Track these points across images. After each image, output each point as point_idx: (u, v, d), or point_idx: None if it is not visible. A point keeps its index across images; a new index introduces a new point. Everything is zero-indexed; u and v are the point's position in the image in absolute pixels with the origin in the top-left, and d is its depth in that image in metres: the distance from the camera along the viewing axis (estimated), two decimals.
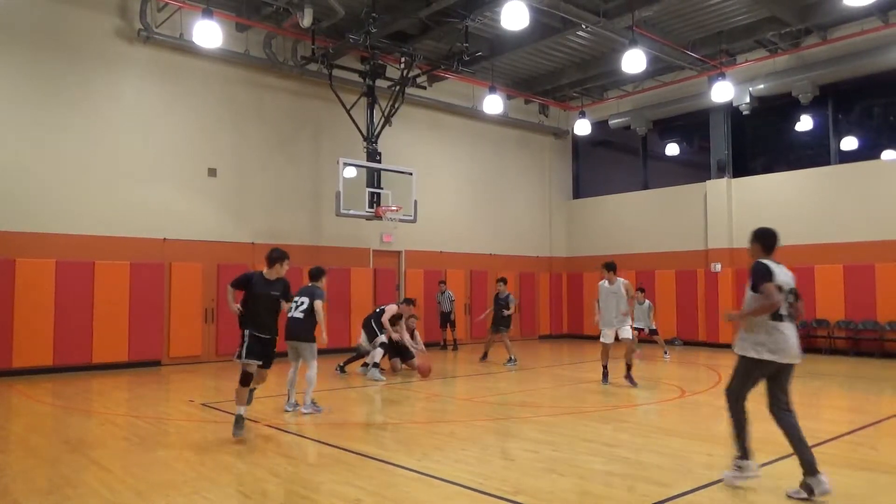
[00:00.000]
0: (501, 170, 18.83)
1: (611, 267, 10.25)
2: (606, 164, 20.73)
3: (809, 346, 14.77)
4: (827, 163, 15.31)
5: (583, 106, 18.59)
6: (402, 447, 6.28)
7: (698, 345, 16.40)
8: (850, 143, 15.42)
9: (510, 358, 12.95)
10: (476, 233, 17.91)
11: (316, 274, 8.22)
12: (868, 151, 15.09)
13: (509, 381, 10.88)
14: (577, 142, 20.22)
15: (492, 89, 15.61)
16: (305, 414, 7.52)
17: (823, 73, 14.51)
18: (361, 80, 14.35)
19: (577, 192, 20.49)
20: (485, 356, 13.49)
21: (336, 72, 14.10)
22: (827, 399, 9.53)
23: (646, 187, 18.81)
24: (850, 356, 13.86)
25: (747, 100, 15.68)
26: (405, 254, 16.31)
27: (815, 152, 15.87)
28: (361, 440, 6.51)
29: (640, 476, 5.19)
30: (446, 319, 16.04)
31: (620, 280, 10.18)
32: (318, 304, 7.67)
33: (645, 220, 18.24)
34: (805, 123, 16.12)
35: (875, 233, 13.98)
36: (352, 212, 13.22)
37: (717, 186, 16.67)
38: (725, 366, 12.38)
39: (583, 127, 17.67)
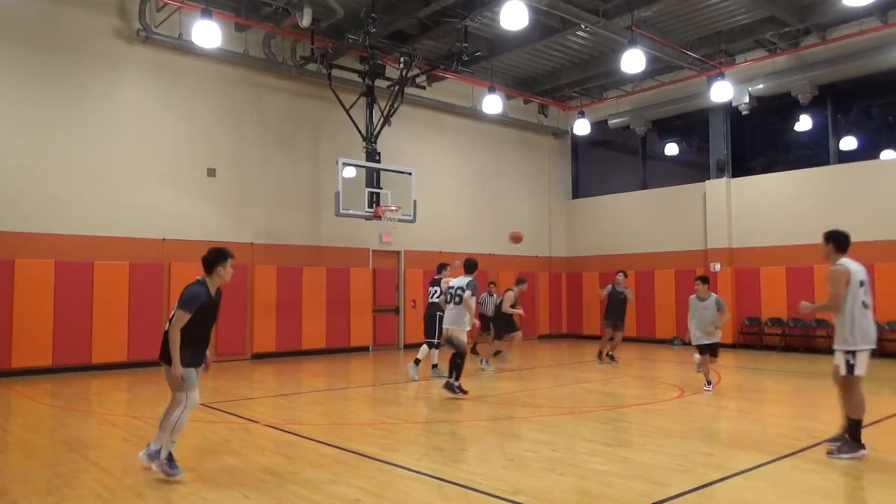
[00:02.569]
0: (501, 170, 18.82)
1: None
2: (606, 164, 20.72)
3: (809, 346, 14.78)
4: (826, 163, 15.32)
5: (582, 106, 18.59)
6: (402, 447, 6.28)
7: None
8: (849, 142, 15.44)
9: (606, 354, 12.94)
10: (475, 233, 17.90)
11: (207, 261, 5.42)
12: (867, 151, 15.11)
13: (509, 380, 10.87)
14: (577, 142, 20.21)
15: (491, 89, 15.61)
16: (154, 469, 5.12)
17: (822, 73, 14.52)
18: (361, 80, 14.34)
19: (577, 192, 20.48)
20: (611, 357, 12.96)
21: (335, 72, 14.09)
22: (826, 399, 9.52)
23: (645, 187, 18.80)
24: None
25: (746, 100, 15.68)
26: (404, 254, 16.31)
27: (814, 152, 15.88)
28: (361, 440, 6.51)
29: (639, 476, 5.19)
30: (489, 323, 13.70)
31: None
32: (178, 315, 5.19)
33: (644, 219, 18.24)
34: (804, 123, 16.13)
35: (874, 232, 13.98)
36: (351, 212, 13.22)
37: (717, 186, 16.68)
38: (724, 366, 12.38)
39: (582, 127, 17.66)
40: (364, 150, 14.11)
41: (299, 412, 8.36)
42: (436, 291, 11.00)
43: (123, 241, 12.31)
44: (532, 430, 6.98)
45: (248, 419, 7.46)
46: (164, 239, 12.74)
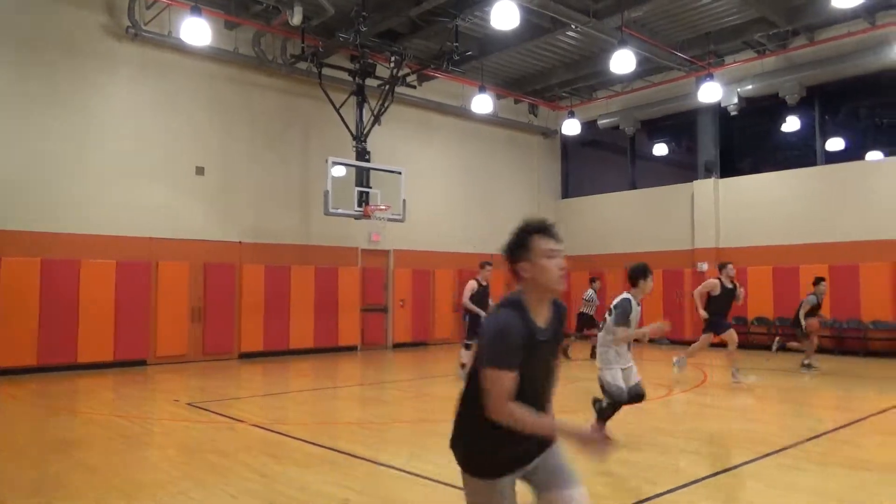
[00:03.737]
0: (491, 169, 18.84)
1: None
2: (595, 163, 20.79)
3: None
4: (813, 163, 15.44)
5: (572, 106, 18.63)
6: (391, 446, 6.27)
7: (685, 343, 16.45)
8: (835, 143, 15.55)
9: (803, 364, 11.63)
10: (465, 232, 17.90)
11: (511, 249, 2.91)
12: (853, 152, 15.25)
13: None
14: (566, 142, 20.26)
15: (481, 89, 15.61)
16: None
17: (810, 74, 14.61)
18: (351, 78, 14.30)
19: (566, 192, 20.54)
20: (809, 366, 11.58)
21: (325, 70, 14.04)
22: (811, 397, 9.61)
23: (634, 187, 18.88)
24: (834, 355, 13.97)
25: (735, 100, 15.76)
26: (394, 253, 16.28)
27: (802, 153, 16.00)
28: (349, 439, 6.50)
29: (626, 474, 5.21)
30: (587, 323, 13.74)
31: None
32: (486, 378, 2.48)
33: (633, 219, 18.31)
34: (792, 124, 16.24)
35: (860, 233, 14.12)
36: (340, 211, 13.18)
37: (705, 186, 16.77)
38: (710, 365, 12.47)
39: (572, 127, 17.70)
40: (354, 149, 14.07)
41: (286, 412, 8.34)
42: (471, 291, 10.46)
43: (110, 240, 12.21)
44: None
45: (236, 419, 7.43)
46: (151, 237, 12.65)
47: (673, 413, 8.15)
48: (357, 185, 13.65)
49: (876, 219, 13.97)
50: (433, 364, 13.30)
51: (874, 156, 15.05)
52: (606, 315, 6.24)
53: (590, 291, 13.95)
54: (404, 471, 5.29)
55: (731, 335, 10.08)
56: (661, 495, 4.62)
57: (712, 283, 10.24)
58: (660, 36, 15.04)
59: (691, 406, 8.55)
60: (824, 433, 6.65)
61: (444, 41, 14.08)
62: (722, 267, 10.45)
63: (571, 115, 17.91)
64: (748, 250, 15.85)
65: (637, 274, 6.15)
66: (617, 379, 6.19)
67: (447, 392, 9.81)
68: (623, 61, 12.27)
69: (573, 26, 13.48)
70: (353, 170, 13.70)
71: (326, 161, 13.12)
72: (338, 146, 14.43)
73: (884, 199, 13.94)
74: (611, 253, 18.48)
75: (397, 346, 15.89)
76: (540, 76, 17.78)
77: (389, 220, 13.91)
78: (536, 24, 14.00)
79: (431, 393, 9.69)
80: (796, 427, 7.03)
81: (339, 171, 13.35)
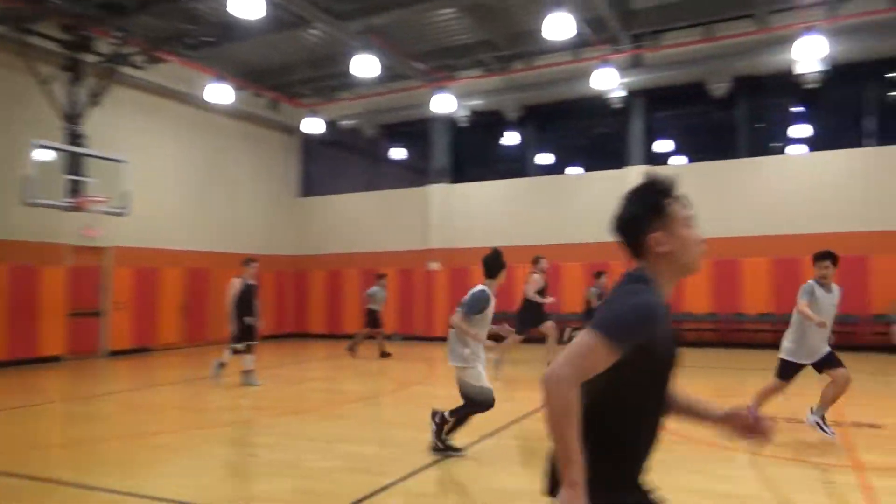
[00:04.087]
0: (228, 163, 17.95)
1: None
2: (336, 163, 21.02)
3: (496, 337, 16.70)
4: (527, 174, 17.61)
5: (314, 105, 18.57)
6: (103, 467, 5.65)
7: (415, 339, 17.45)
8: (545, 158, 17.93)
9: None
10: (198, 229, 16.81)
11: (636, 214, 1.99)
12: (558, 167, 17.77)
13: (227, 386, 10.38)
14: (308, 140, 20.17)
15: (219, 78, 14.78)
16: None
17: (527, 95, 16.54)
18: (64, 50, 12.53)
19: (306, 191, 20.46)
20: None
21: (33, 38, 12.09)
22: (524, 382, 10.80)
23: (373, 188, 19.53)
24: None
25: (464, 113, 17.18)
26: (113, 250, 14.64)
27: (519, 164, 18.11)
28: (51, 464, 5.72)
29: (359, 468, 5.37)
30: (374, 320, 13.83)
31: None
32: (587, 350, 1.76)
33: (370, 219, 18.94)
34: (512, 138, 18.24)
35: (560, 237, 16.36)
36: (46, 201, 11.47)
37: (438, 191, 17.99)
38: (439, 358, 13.36)
39: (313, 125, 17.64)
40: (66, 131, 12.35)
41: None
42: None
43: None
44: (252, 434, 6.80)
45: None
46: None
47: (402, 405, 8.57)
48: (69, 173, 12.04)
49: (574, 225, 16.28)
50: (157, 371, 12.30)
51: (573, 171, 17.64)
52: (458, 308, 5.66)
53: (376, 287, 14.06)
54: (117, 491, 4.81)
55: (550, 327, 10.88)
56: (388, 486, 4.84)
57: (536, 279, 10.45)
58: (400, 45, 15.71)
59: (421, 398, 9.07)
60: (526, 415, 7.55)
61: (179, 22, 13.08)
62: (536, 261, 10.93)
63: (313, 113, 17.85)
64: (475, 251, 17.26)
65: (497, 264, 5.70)
66: (481, 379, 5.60)
67: (172, 401, 9.16)
68: (364, 65, 12.58)
69: (316, 25, 13.43)
70: (67, 155, 12.05)
71: (30, 143, 11.32)
72: (45, 127, 12.54)
73: (581, 208, 16.31)
74: (349, 252, 18.89)
75: (114, 353, 14.32)
76: (282, 71, 17.42)
77: (109, 213, 12.51)
78: (280, 17, 13.68)
79: (152, 403, 8.95)
80: (510, 410, 7.86)
81: (46, 156, 11.62)
